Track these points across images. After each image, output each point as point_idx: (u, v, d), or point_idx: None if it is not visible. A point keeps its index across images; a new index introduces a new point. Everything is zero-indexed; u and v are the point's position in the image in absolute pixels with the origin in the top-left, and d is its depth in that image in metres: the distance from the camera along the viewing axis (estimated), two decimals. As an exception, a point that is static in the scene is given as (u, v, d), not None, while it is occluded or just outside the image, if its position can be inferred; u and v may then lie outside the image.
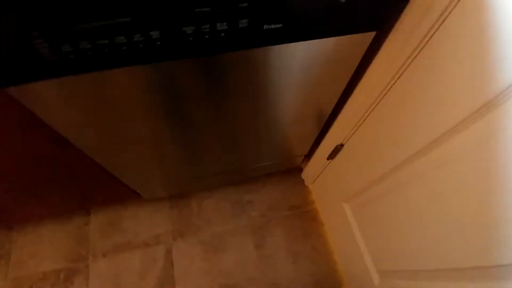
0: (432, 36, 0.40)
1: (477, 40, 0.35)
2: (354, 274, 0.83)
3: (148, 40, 0.35)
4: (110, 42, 0.34)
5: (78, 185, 0.76)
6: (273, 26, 0.38)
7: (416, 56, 0.44)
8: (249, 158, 0.87)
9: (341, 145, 0.71)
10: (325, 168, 0.85)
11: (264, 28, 0.38)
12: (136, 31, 0.34)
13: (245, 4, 0.35)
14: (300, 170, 1.06)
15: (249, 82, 0.51)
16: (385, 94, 0.53)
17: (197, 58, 0.42)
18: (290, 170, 1.06)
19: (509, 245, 0.38)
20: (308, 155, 0.95)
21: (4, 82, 0.37)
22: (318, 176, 0.93)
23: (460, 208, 0.43)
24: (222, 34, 0.37)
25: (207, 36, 0.37)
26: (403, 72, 0.47)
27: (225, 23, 0.36)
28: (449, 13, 0.37)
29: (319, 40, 0.44)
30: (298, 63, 0.49)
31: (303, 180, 1.06)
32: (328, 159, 0.79)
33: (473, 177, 0.40)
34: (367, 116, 0.59)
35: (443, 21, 0.38)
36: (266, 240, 0.96)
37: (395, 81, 0.50)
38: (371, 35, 0.46)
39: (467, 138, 0.39)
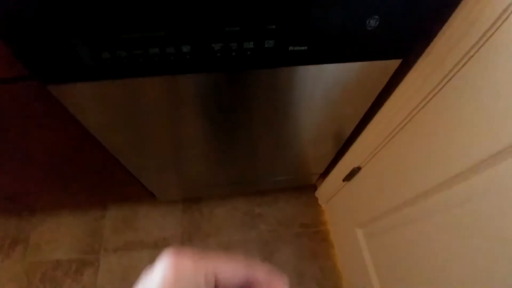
0: (460, 69, 0.39)
1: (507, 78, 0.33)
2: (361, 304, 0.80)
3: (179, 53, 0.37)
4: (144, 52, 0.37)
5: (99, 179, 0.80)
6: (298, 48, 0.39)
7: (442, 87, 0.43)
8: (265, 171, 0.87)
9: (359, 168, 0.70)
10: (340, 189, 0.83)
11: (289, 49, 0.39)
12: (169, 44, 0.36)
13: (272, 26, 0.36)
14: (314, 188, 1.04)
15: (272, 99, 0.53)
16: (408, 122, 0.51)
17: (224, 73, 0.44)
18: (304, 187, 1.04)
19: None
20: (324, 174, 0.94)
21: (46, 79, 0.40)
22: (332, 197, 0.91)
23: (483, 252, 0.41)
24: (249, 53, 0.39)
25: (234, 54, 0.38)
26: (428, 101, 0.46)
27: (251, 43, 0.37)
28: (478, 49, 0.36)
29: (343, 63, 0.45)
30: (321, 84, 0.50)
31: (317, 198, 1.04)
32: (344, 180, 0.77)
33: (499, 218, 0.38)
34: (387, 142, 0.58)
35: (471, 57, 0.37)
36: (273, 256, 0.95)
37: (419, 110, 0.48)
38: (396, 62, 0.46)
39: (495, 175, 0.37)
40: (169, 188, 0.89)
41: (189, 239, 0.96)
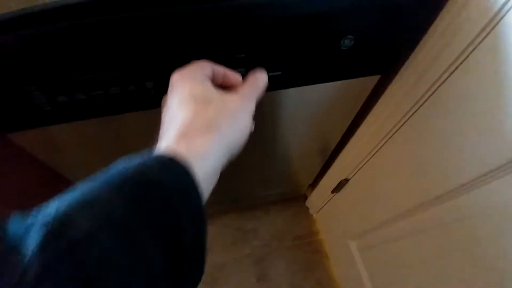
0: (447, 78, 0.38)
1: (488, 96, 0.32)
2: (360, 315, 0.78)
3: (142, 90, 0.34)
4: (104, 92, 0.34)
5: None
6: (271, 74, 0.37)
7: (426, 99, 0.42)
8: (253, 188, 0.85)
9: (346, 180, 0.68)
10: (329, 200, 0.82)
11: (263, 76, 0.37)
12: (131, 82, 0.33)
13: (242, 55, 0.34)
14: (304, 197, 1.03)
15: (259, 116, 0.50)
16: (392, 135, 0.50)
17: None
18: (294, 197, 1.03)
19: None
20: (313, 184, 0.93)
21: (5, 128, 0.37)
22: (323, 207, 0.89)
23: (476, 268, 0.40)
24: (219, 83, 0.36)
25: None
26: (411, 115, 0.45)
27: (221, 73, 0.35)
28: (458, 66, 0.35)
29: (321, 84, 0.43)
30: (301, 105, 0.48)
31: (308, 208, 1.02)
32: (332, 192, 0.76)
33: (491, 236, 0.37)
34: (373, 154, 0.56)
35: (451, 73, 0.36)
36: (268, 272, 0.92)
37: (403, 123, 0.47)
38: (375, 78, 0.45)
39: (487, 194, 0.36)
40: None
41: (180, 263, 0.92)
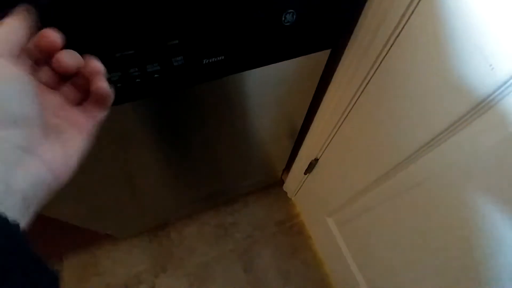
0: (391, 46, 0.37)
1: (434, 51, 0.32)
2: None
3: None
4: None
5: (41, 238, 0.69)
6: (214, 59, 0.34)
7: (377, 68, 0.41)
8: (228, 181, 0.83)
9: (316, 160, 0.68)
10: (304, 181, 0.82)
11: (204, 62, 0.34)
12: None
13: (175, 41, 0.31)
14: (281, 182, 1.02)
15: (212, 112, 0.48)
16: (352, 108, 0.50)
17: (151, 99, 0.38)
18: (272, 184, 1.02)
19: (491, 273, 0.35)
20: (287, 168, 0.92)
21: None
22: (299, 189, 0.90)
23: (442, 229, 0.41)
24: (156, 75, 0.33)
25: (138, 80, 0.32)
26: (366, 84, 0.44)
27: (156, 64, 0.32)
28: (403, 26, 0.34)
29: (271, 65, 0.41)
30: (256, 89, 0.45)
31: (286, 192, 1.02)
32: (305, 173, 0.76)
33: (455, 197, 0.37)
34: (336, 131, 0.56)
35: (398, 35, 0.35)
36: (254, 262, 0.92)
37: (360, 95, 0.47)
38: (325, 53, 0.43)
39: (443, 152, 0.36)
40: (127, 224, 0.81)
41: (163, 269, 0.89)
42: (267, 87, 0.47)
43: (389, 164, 0.46)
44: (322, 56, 0.45)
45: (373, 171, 0.50)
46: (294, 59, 0.42)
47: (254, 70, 0.40)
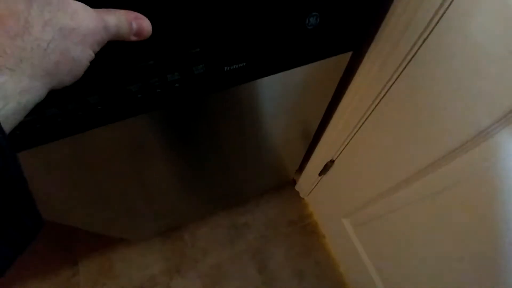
0: (416, 52, 0.36)
1: (466, 54, 0.30)
2: (362, 287, 0.80)
3: (86, 106, 0.29)
4: (40, 116, 0.28)
5: (56, 243, 0.69)
6: (235, 66, 0.33)
7: (402, 71, 0.39)
8: (241, 182, 0.82)
9: (332, 162, 0.67)
10: (318, 183, 0.81)
11: (226, 70, 0.33)
12: (69, 100, 0.28)
13: (196, 50, 0.29)
14: (293, 182, 1.01)
15: (229, 119, 0.47)
16: (372, 111, 0.48)
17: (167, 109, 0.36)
18: (283, 184, 1.01)
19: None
20: (300, 169, 0.91)
21: None
22: (312, 189, 0.89)
23: (466, 234, 0.39)
24: (177, 85, 0.32)
25: (158, 90, 0.31)
26: (390, 87, 0.43)
27: (176, 73, 0.30)
28: (434, 27, 0.32)
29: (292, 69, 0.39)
30: (275, 93, 0.44)
31: (298, 192, 1.01)
32: (320, 175, 0.74)
33: (480, 202, 0.36)
34: (355, 133, 0.54)
35: (426, 37, 0.34)
36: (268, 262, 0.92)
37: (382, 98, 0.45)
38: (347, 55, 0.42)
39: (467, 162, 0.35)
40: (141, 229, 0.81)
41: (177, 271, 0.89)
42: (284, 92, 0.45)
43: (410, 170, 0.44)
44: (343, 59, 0.43)
45: (392, 176, 0.49)
46: (313, 64, 0.40)
47: (270, 76, 0.39)
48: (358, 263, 0.73)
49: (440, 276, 0.49)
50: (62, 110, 0.29)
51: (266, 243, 0.95)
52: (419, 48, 0.35)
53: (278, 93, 0.45)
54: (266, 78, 0.38)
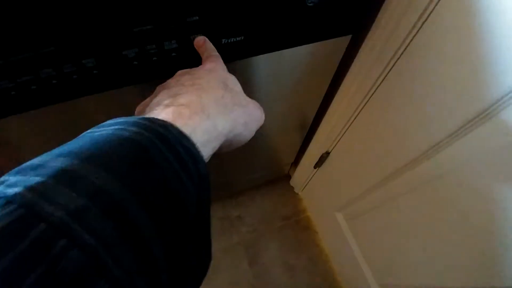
0: (414, 35, 0.36)
1: (461, 45, 0.30)
2: (353, 284, 0.80)
3: (82, 70, 0.29)
4: (35, 77, 0.28)
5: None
6: (233, 40, 0.33)
7: (401, 54, 0.40)
8: (235, 173, 0.82)
9: (327, 153, 0.67)
10: (313, 176, 0.81)
11: (223, 42, 0.33)
12: (65, 61, 0.28)
13: (195, 18, 0.29)
14: (288, 177, 1.01)
15: None
16: (369, 99, 0.48)
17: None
18: (278, 178, 1.01)
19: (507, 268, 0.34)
20: (295, 162, 0.91)
21: None
22: (307, 184, 0.89)
23: (458, 223, 0.39)
24: (173, 54, 0.32)
25: (154, 58, 0.31)
26: (385, 76, 0.43)
27: (174, 41, 0.30)
28: (429, 14, 0.33)
29: (290, 49, 0.39)
30: (273, 75, 0.44)
31: (292, 187, 1.01)
32: (315, 167, 0.74)
33: (472, 191, 0.36)
34: (352, 123, 0.55)
35: (423, 22, 0.34)
36: (260, 256, 0.91)
37: (377, 87, 0.45)
38: (346, 39, 0.42)
39: (462, 148, 0.35)
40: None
41: (168, 260, 0.89)
42: (281, 74, 0.45)
43: (406, 158, 0.44)
44: (342, 42, 0.43)
45: (387, 166, 0.49)
46: (311, 45, 0.41)
47: (268, 54, 0.39)
48: (350, 258, 0.73)
49: (432, 269, 0.48)
50: (58, 71, 0.28)
51: (258, 237, 0.94)
52: (418, 30, 0.35)
53: (275, 75, 0.45)
54: (263, 56, 0.38)
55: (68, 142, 0.14)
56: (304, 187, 0.92)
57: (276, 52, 0.38)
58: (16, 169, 0.12)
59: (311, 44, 0.40)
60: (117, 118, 0.16)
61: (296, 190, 1.00)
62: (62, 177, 0.11)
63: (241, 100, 0.23)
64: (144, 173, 0.13)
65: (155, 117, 0.17)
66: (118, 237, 0.11)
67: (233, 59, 0.36)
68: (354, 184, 0.61)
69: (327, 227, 0.86)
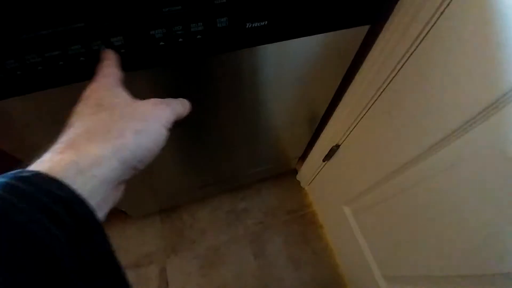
0: (432, 27, 0.36)
1: (480, 34, 0.31)
2: (358, 278, 0.80)
3: (109, 48, 0.30)
4: (63, 52, 0.29)
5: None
6: (257, 24, 0.33)
7: (415, 50, 0.40)
8: (242, 165, 0.82)
9: (337, 146, 0.67)
10: (321, 169, 0.81)
11: (247, 26, 0.33)
12: (94, 38, 0.28)
13: (223, 0, 0.30)
14: (294, 172, 1.02)
15: (237, 85, 0.47)
16: (382, 91, 0.49)
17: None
18: (284, 173, 1.01)
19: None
20: (302, 157, 0.91)
21: None
22: (314, 178, 0.89)
23: (467, 214, 0.40)
24: (199, 36, 0.32)
25: (180, 40, 0.32)
26: (401, 67, 0.43)
27: (200, 24, 0.31)
28: (448, 4, 0.33)
29: (309, 36, 0.39)
30: (288, 62, 0.44)
31: (299, 182, 1.02)
32: (323, 160, 0.75)
33: (482, 182, 0.36)
34: (364, 115, 0.55)
35: (442, 13, 0.34)
36: (265, 248, 0.92)
37: (393, 78, 0.46)
38: (364, 29, 0.42)
39: (475, 138, 0.35)
40: (141, 203, 0.81)
41: (174, 251, 0.89)
42: (298, 63, 0.46)
43: (418, 151, 0.44)
44: (359, 33, 0.43)
45: (398, 158, 0.49)
46: (328, 35, 0.41)
47: (282, 44, 0.39)
48: (355, 251, 0.74)
49: (440, 263, 0.49)
50: (86, 48, 0.29)
51: (264, 230, 0.95)
52: (436, 22, 0.35)
53: (293, 64, 0.45)
54: (283, 43, 0.39)
55: None
56: (311, 182, 0.93)
57: (291, 41, 0.39)
58: None
59: (328, 34, 0.41)
60: None
61: (302, 185, 1.00)
62: None
63: (122, 111, 0.21)
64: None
65: (43, 159, 0.17)
66: None
67: (255, 44, 0.37)
68: (363, 177, 0.62)
69: (333, 221, 0.86)
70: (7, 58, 0.27)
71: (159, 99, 0.24)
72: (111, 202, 0.20)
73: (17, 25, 0.25)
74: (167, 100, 0.25)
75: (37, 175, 0.16)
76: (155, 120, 0.22)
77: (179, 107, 0.25)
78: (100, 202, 0.18)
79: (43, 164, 0.17)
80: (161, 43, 0.31)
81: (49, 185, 0.15)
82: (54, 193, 0.15)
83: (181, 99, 0.27)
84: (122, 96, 0.23)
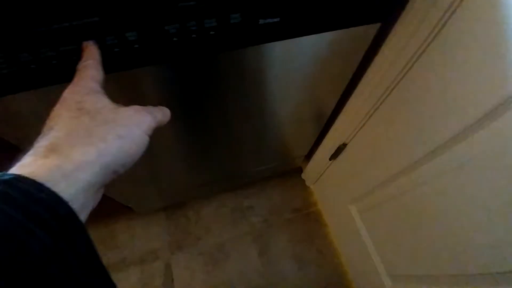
0: (443, 26, 0.36)
1: (491, 34, 0.30)
2: (363, 277, 0.80)
3: (123, 43, 0.30)
4: (77, 47, 0.29)
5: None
6: (269, 21, 0.33)
7: (425, 49, 0.40)
8: (248, 163, 0.82)
9: (344, 145, 0.67)
10: (327, 168, 0.81)
11: (260, 23, 0.33)
12: (108, 33, 0.28)
13: (236, -4, 0.30)
14: (300, 170, 1.02)
15: (244, 83, 0.47)
16: (392, 90, 0.48)
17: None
18: (290, 171, 1.01)
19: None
20: (308, 155, 0.91)
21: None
22: (319, 177, 0.89)
23: (474, 214, 0.39)
24: (212, 32, 0.32)
25: (194, 35, 0.31)
26: (411, 66, 0.43)
27: (214, 20, 0.31)
28: (460, 3, 0.32)
29: (320, 34, 0.39)
30: (298, 59, 0.44)
31: (304, 180, 1.01)
32: (330, 159, 0.75)
33: (492, 181, 0.36)
34: (372, 114, 0.55)
35: (453, 12, 0.34)
36: (269, 246, 0.92)
37: (402, 77, 0.45)
38: (375, 27, 0.42)
39: (485, 137, 0.35)
40: (147, 199, 0.81)
41: (179, 247, 0.90)
42: (303, 61, 0.45)
43: (431, 145, 0.44)
44: (370, 31, 0.43)
45: (406, 157, 0.49)
46: (338, 33, 0.41)
47: (291, 41, 0.39)
48: (361, 250, 0.74)
49: (446, 262, 0.49)
50: (101, 43, 0.29)
51: (269, 228, 0.95)
52: (449, 17, 0.35)
53: (301, 62, 0.45)
54: (292, 41, 0.39)
55: None
56: (316, 181, 0.92)
57: (301, 39, 0.39)
58: None
59: (337, 32, 0.40)
60: None
61: (307, 183, 1.00)
62: None
63: (105, 116, 0.21)
64: None
65: (24, 162, 0.17)
66: None
67: (267, 40, 0.37)
68: (370, 176, 0.62)
69: (338, 219, 0.86)
70: (21, 51, 0.28)
71: (141, 106, 0.24)
72: (91, 206, 0.20)
73: (31, 18, 0.25)
74: (149, 107, 0.25)
75: (20, 178, 0.16)
76: (137, 126, 0.22)
77: (160, 114, 0.26)
78: (81, 206, 0.18)
79: (25, 168, 0.17)
80: (175, 39, 0.31)
81: (31, 188, 0.15)
82: (37, 196, 0.15)
83: (162, 107, 0.27)
84: (104, 101, 0.23)
